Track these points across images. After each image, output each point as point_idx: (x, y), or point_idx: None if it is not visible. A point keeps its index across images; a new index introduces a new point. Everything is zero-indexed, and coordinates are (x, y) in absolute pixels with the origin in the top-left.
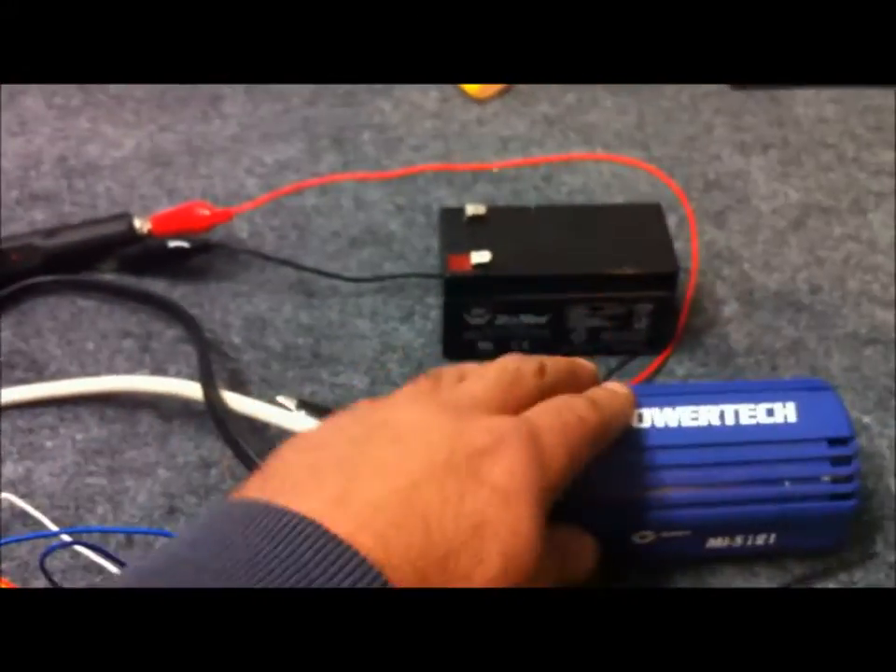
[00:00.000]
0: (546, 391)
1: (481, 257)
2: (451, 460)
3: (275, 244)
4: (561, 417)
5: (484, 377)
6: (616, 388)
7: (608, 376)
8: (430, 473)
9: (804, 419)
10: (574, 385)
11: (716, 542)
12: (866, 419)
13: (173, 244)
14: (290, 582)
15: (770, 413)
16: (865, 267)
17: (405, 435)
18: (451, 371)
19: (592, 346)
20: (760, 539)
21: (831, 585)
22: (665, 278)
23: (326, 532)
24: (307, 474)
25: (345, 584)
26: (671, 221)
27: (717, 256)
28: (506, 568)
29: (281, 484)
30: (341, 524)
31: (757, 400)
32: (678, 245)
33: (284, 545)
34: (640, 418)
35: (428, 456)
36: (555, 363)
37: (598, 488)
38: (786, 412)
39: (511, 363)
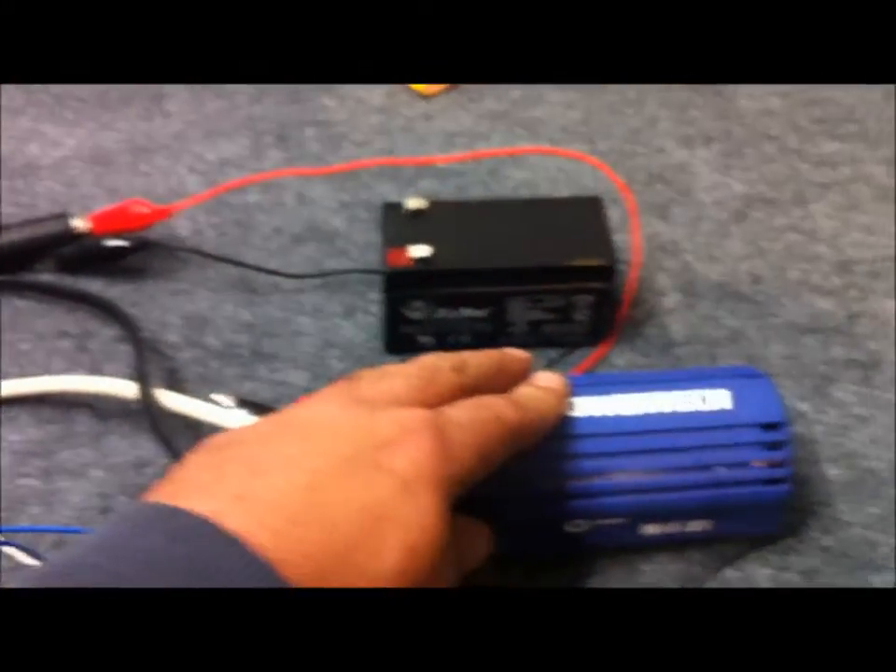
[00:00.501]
0: (468, 388)
1: (419, 251)
2: (356, 453)
3: (216, 241)
4: (476, 414)
5: (401, 375)
6: (550, 382)
7: (548, 368)
8: (334, 467)
9: (737, 406)
10: (503, 378)
11: (651, 529)
12: (803, 406)
13: (111, 242)
14: (184, 583)
15: (704, 400)
16: (807, 257)
17: (312, 431)
18: (371, 371)
19: (533, 339)
20: (695, 526)
21: (765, 570)
22: (603, 270)
23: (221, 531)
24: (209, 474)
25: (237, 583)
26: (615, 214)
27: (660, 248)
28: (408, 560)
29: (183, 485)
30: (238, 521)
31: (691, 388)
32: (622, 238)
33: (180, 546)
34: (574, 407)
35: (333, 451)
36: (479, 358)
37: (530, 478)
38: (720, 399)
39: (429, 360)
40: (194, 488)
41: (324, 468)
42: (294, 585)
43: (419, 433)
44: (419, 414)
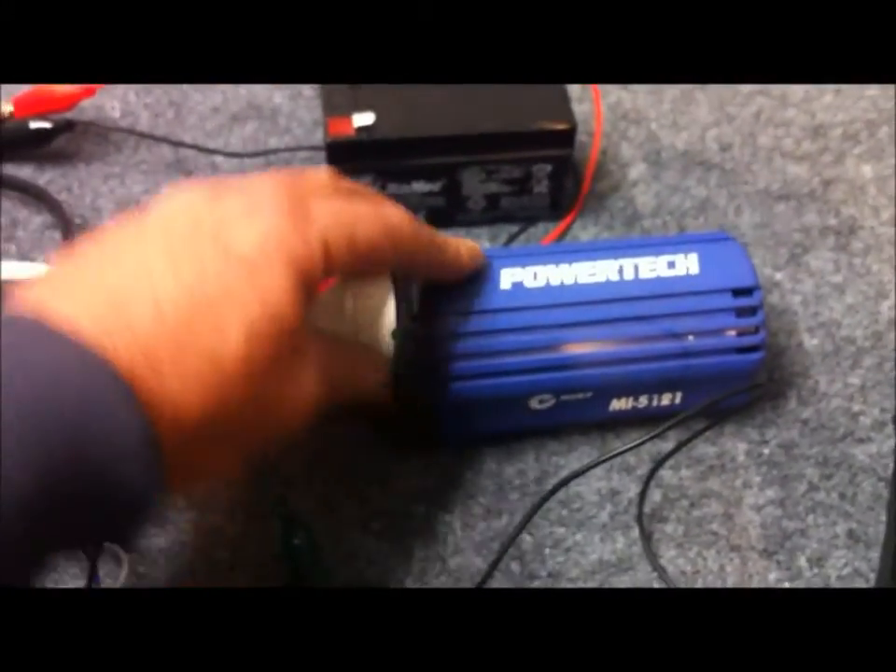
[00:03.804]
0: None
1: (363, 119)
2: (191, 235)
3: (150, 122)
4: (351, 204)
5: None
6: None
7: (509, 242)
8: (164, 251)
9: (706, 270)
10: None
11: (619, 404)
12: (778, 276)
13: (34, 125)
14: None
15: (671, 265)
16: (777, 122)
17: (146, 220)
18: None
19: (490, 214)
20: (665, 399)
21: (742, 444)
22: (562, 135)
23: (33, 321)
24: (40, 278)
25: (50, 370)
26: (576, 84)
27: (623, 117)
28: (249, 336)
29: (13, 292)
30: (57, 310)
31: (657, 253)
32: (584, 108)
33: None
34: (535, 277)
35: (165, 235)
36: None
37: (493, 350)
38: (688, 263)
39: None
40: (19, 291)
41: (153, 251)
42: (122, 369)
43: (270, 209)
44: (273, 188)
